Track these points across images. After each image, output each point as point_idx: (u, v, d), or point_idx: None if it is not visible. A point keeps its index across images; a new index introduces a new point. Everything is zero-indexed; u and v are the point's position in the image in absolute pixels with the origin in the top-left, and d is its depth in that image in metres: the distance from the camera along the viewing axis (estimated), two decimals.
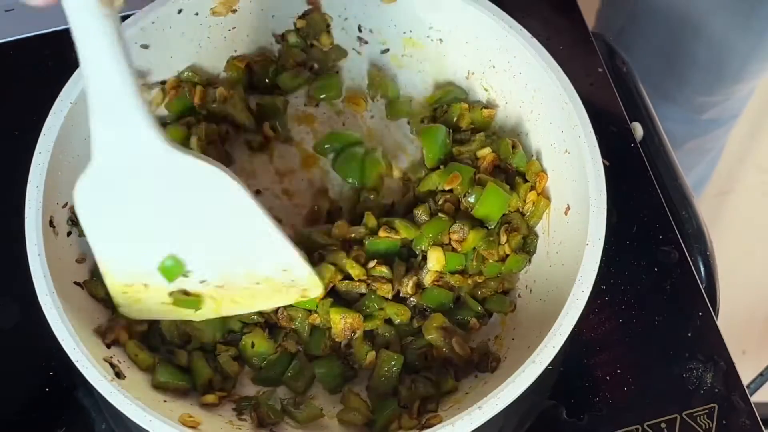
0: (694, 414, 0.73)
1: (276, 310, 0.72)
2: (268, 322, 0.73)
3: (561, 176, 0.73)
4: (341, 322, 0.70)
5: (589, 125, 0.70)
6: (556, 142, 0.73)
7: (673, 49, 1.17)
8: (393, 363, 0.70)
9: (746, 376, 0.78)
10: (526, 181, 0.75)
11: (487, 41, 0.77)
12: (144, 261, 0.66)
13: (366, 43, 0.83)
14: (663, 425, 0.73)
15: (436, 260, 0.71)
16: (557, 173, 0.73)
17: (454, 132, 0.78)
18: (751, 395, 0.75)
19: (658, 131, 0.88)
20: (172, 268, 0.66)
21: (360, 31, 0.82)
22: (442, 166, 0.76)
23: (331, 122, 0.83)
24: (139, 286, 0.67)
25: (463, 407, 0.63)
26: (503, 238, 0.73)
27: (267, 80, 0.82)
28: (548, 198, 0.74)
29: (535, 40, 0.73)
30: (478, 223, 0.73)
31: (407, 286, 0.72)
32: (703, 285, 0.80)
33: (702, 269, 0.82)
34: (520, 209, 0.74)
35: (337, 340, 0.72)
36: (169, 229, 0.64)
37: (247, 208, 0.64)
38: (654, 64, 1.19)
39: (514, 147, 0.76)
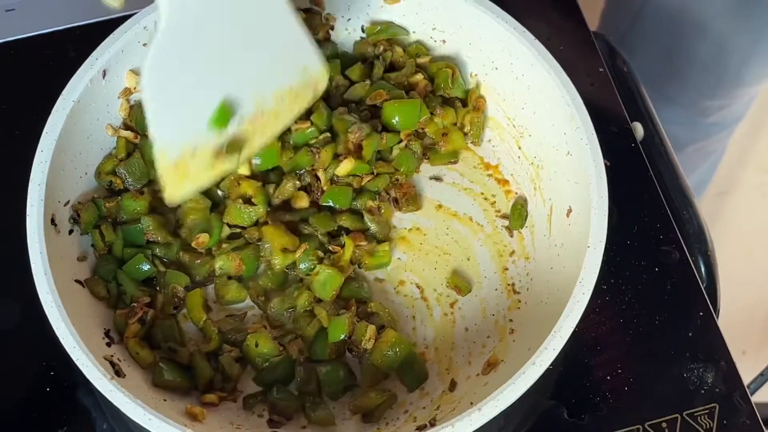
0: (695, 414, 0.73)
1: (283, 313, 0.73)
2: (273, 325, 0.73)
3: (563, 178, 0.73)
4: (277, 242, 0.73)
5: (592, 127, 0.70)
6: (558, 144, 0.73)
7: (677, 51, 1.17)
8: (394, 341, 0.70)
9: (746, 375, 0.78)
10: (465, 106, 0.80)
11: (491, 43, 0.77)
12: (196, 120, 0.67)
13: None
14: (664, 425, 0.73)
15: (345, 165, 0.75)
16: (559, 175, 0.73)
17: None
18: (751, 395, 0.75)
19: (658, 131, 0.88)
20: (223, 114, 0.67)
21: (363, 31, 0.82)
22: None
23: None
24: (187, 156, 0.67)
25: (462, 408, 0.63)
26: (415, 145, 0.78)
27: None
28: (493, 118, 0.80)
29: (538, 42, 0.73)
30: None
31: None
32: (704, 285, 0.80)
33: (702, 269, 0.82)
34: (458, 125, 0.80)
35: (277, 267, 0.73)
36: (222, 72, 0.66)
37: (285, 13, 0.66)
38: (658, 67, 1.19)
39: (453, 76, 0.78)
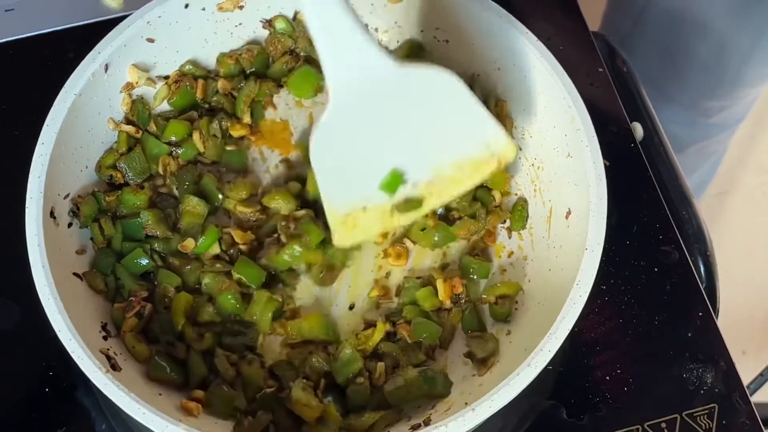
0: (695, 414, 0.73)
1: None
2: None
3: (563, 180, 0.73)
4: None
5: (592, 130, 0.70)
6: (559, 145, 0.73)
7: (678, 51, 1.17)
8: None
9: (746, 376, 0.78)
10: None
11: (493, 43, 0.77)
12: (366, 186, 0.69)
13: None
14: (663, 425, 0.73)
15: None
16: (559, 177, 0.73)
17: None
18: (751, 395, 0.75)
19: (658, 131, 0.88)
20: (393, 181, 0.69)
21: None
22: None
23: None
24: (358, 212, 0.70)
25: (457, 408, 0.63)
26: None
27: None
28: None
29: (540, 44, 0.73)
30: None
31: None
32: (703, 285, 0.80)
33: (702, 269, 0.82)
34: None
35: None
36: (392, 145, 0.68)
37: (464, 97, 0.67)
38: (660, 67, 1.20)
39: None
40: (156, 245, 0.74)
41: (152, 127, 0.77)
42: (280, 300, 0.73)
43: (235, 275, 0.72)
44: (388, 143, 0.68)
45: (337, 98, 0.65)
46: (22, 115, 0.81)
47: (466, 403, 0.62)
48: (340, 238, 0.72)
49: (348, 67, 0.63)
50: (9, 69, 0.87)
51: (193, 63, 0.80)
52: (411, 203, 0.70)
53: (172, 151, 0.78)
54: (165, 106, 0.79)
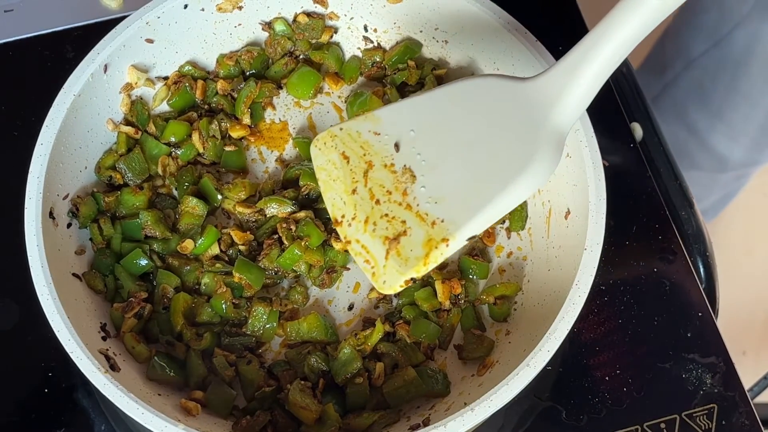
0: (694, 414, 0.73)
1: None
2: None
3: (562, 180, 0.73)
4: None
5: (591, 130, 0.70)
6: None
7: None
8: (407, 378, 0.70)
9: (746, 376, 0.78)
10: None
11: (492, 43, 0.77)
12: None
13: (371, 42, 0.83)
14: (662, 426, 0.73)
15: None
16: (558, 177, 0.73)
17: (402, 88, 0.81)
18: (753, 399, 0.75)
19: (657, 132, 0.88)
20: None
21: (366, 30, 0.82)
22: None
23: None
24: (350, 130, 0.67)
25: (456, 408, 0.63)
26: None
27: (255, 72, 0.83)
28: None
29: (540, 44, 0.73)
30: None
31: None
32: (703, 285, 0.80)
33: (702, 269, 0.82)
34: None
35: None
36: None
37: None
38: (726, 96, 1.20)
39: None
40: (155, 246, 0.74)
41: (151, 128, 0.78)
42: (279, 310, 0.74)
43: (236, 276, 0.72)
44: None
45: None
46: (22, 115, 0.81)
47: (465, 403, 0.62)
48: (319, 142, 0.68)
49: None
50: (9, 69, 0.87)
51: (193, 64, 0.80)
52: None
53: (171, 152, 0.78)
54: (164, 107, 0.80)
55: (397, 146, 0.65)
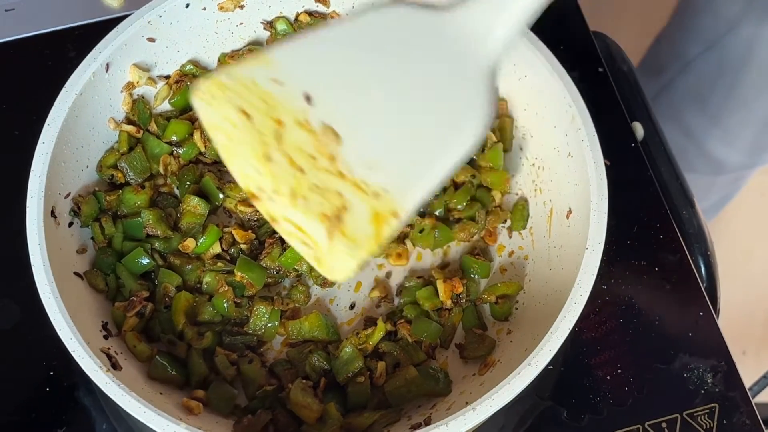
0: (695, 414, 0.73)
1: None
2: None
3: (563, 180, 0.73)
4: None
5: (593, 129, 0.70)
6: (560, 145, 0.73)
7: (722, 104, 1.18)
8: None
9: (747, 376, 0.78)
10: None
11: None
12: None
13: None
14: (664, 425, 0.73)
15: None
16: (560, 176, 0.73)
17: None
18: (753, 397, 0.75)
19: (658, 131, 0.88)
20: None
21: None
22: None
23: None
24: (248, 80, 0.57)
25: (457, 408, 0.63)
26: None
27: None
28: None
29: (541, 44, 0.73)
30: None
31: None
32: (704, 285, 0.80)
33: (702, 269, 0.82)
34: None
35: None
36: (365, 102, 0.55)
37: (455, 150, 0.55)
38: (721, 98, 1.20)
39: None
40: (156, 245, 0.74)
41: (153, 127, 0.78)
42: (281, 309, 0.74)
43: (238, 275, 0.72)
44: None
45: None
46: (22, 115, 0.81)
47: (466, 403, 0.62)
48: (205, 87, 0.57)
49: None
50: (9, 69, 0.87)
51: (194, 63, 0.80)
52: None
53: (172, 151, 0.78)
54: (166, 106, 0.80)
55: (308, 98, 0.54)
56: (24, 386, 0.74)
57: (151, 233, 0.74)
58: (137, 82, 0.77)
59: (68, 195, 0.72)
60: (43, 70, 0.85)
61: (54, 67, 0.85)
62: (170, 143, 0.78)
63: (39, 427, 0.72)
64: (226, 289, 0.72)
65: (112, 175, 0.75)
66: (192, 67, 0.79)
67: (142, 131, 0.77)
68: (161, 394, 0.67)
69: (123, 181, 0.76)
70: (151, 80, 0.78)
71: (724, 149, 1.24)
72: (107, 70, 0.74)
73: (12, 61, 0.87)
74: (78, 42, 0.86)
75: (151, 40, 0.76)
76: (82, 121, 0.73)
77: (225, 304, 0.72)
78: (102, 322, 0.70)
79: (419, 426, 0.64)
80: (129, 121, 0.77)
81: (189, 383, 0.70)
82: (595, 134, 0.70)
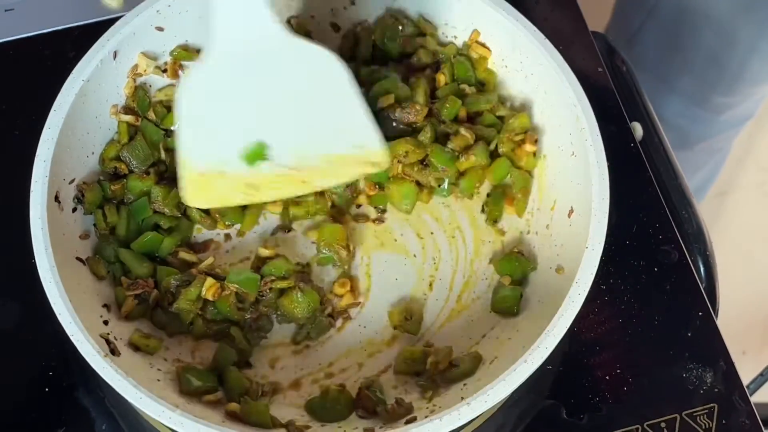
0: (694, 414, 0.73)
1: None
2: None
3: (566, 178, 0.73)
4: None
5: (597, 129, 0.70)
6: (564, 144, 0.73)
7: (687, 43, 1.18)
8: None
9: (746, 376, 0.78)
10: None
11: (501, 41, 0.77)
12: (228, 148, 0.69)
13: None
14: (663, 425, 0.73)
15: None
16: (563, 175, 0.73)
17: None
18: (750, 395, 0.75)
19: (658, 131, 0.88)
20: (255, 153, 0.69)
21: (375, 23, 0.82)
22: None
23: None
24: (215, 175, 0.70)
25: (453, 402, 0.63)
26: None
27: None
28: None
29: (548, 42, 0.73)
30: None
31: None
32: (703, 285, 0.80)
33: (702, 269, 0.82)
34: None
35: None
36: (263, 117, 0.68)
37: (346, 89, 0.67)
38: (669, 60, 1.20)
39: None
40: (162, 222, 0.74)
41: (151, 115, 0.77)
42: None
43: (231, 286, 0.71)
44: (260, 114, 0.68)
45: (217, 47, 0.65)
46: (22, 115, 0.81)
47: (462, 398, 0.62)
48: (192, 197, 0.72)
49: (240, 22, 0.64)
50: (9, 69, 0.87)
51: (183, 47, 0.78)
52: (273, 183, 0.71)
53: (170, 137, 0.78)
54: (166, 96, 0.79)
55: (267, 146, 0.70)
56: (23, 386, 0.74)
57: (158, 210, 0.74)
58: (144, 71, 0.76)
59: (73, 181, 0.72)
60: (42, 70, 0.85)
61: (54, 67, 0.85)
62: (168, 131, 0.77)
63: (38, 427, 0.72)
64: (228, 292, 0.72)
65: (116, 167, 0.75)
66: (182, 51, 0.78)
67: (140, 119, 0.77)
68: (159, 381, 0.66)
69: (126, 172, 0.75)
70: (159, 69, 0.78)
71: (699, 89, 1.24)
72: (115, 58, 0.74)
73: (12, 61, 0.87)
74: (78, 42, 0.86)
75: (160, 29, 0.76)
76: (88, 107, 0.73)
77: (227, 306, 0.72)
78: (103, 304, 0.70)
79: (414, 419, 0.65)
80: (127, 110, 0.77)
81: (228, 398, 0.68)
82: (599, 134, 0.70)
